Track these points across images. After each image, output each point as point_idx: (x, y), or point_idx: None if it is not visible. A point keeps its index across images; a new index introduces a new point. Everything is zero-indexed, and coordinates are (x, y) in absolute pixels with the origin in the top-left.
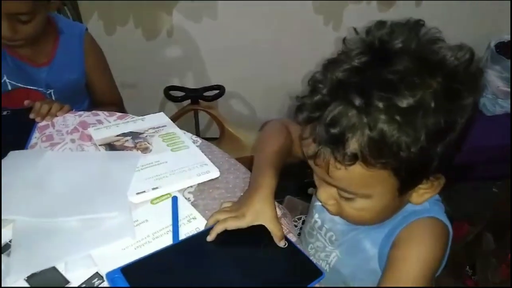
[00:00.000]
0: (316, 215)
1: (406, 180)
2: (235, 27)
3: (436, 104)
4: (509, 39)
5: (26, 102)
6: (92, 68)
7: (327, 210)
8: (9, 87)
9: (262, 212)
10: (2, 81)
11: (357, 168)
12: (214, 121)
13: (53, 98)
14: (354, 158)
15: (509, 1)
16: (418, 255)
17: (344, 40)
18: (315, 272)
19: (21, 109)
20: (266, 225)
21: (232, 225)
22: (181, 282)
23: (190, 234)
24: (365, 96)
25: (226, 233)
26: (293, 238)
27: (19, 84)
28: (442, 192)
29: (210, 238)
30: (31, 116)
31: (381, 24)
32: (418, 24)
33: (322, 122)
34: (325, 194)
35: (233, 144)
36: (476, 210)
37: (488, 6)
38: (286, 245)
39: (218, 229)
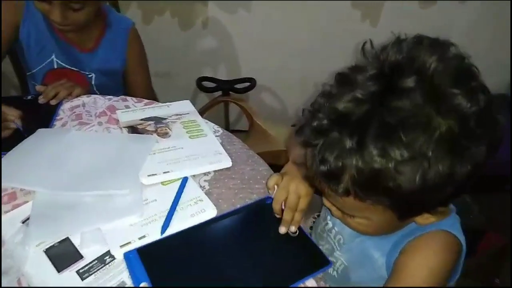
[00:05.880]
0: (328, 217)
1: (404, 213)
2: (269, 20)
3: (437, 154)
4: None
5: (37, 87)
6: (131, 61)
7: (331, 213)
8: (55, 66)
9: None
10: (50, 59)
11: (351, 200)
12: (244, 113)
13: (93, 82)
14: (346, 193)
15: None
16: (423, 262)
17: (362, 49)
18: (323, 261)
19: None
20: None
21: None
22: (192, 265)
23: (195, 214)
24: (360, 138)
25: (239, 220)
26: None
27: (64, 64)
28: (475, 204)
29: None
30: (40, 98)
31: (398, 44)
32: (444, 47)
33: (316, 155)
34: (328, 202)
35: (261, 137)
36: (508, 222)
37: None
38: (297, 233)
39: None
